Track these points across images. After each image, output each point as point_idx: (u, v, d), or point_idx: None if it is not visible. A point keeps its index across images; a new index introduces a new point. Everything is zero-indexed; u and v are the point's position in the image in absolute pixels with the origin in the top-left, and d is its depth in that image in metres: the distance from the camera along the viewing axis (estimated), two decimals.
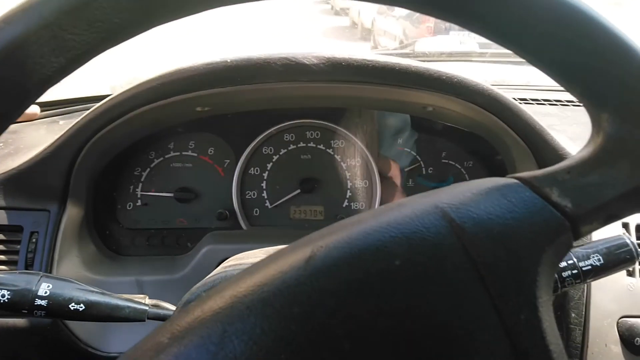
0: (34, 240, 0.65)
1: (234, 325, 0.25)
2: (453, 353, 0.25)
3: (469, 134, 0.73)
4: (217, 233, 0.74)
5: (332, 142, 0.82)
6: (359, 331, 0.25)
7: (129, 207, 0.79)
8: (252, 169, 0.81)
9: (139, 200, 0.79)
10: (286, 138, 0.81)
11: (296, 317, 0.25)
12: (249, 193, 0.81)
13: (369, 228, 0.27)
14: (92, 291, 0.46)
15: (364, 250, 0.26)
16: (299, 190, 0.81)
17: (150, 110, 0.60)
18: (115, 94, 0.61)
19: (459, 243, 0.26)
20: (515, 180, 0.29)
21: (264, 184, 0.81)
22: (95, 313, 0.45)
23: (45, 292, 0.43)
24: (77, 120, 0.63)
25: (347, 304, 0.25)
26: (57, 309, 0.43)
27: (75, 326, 0.65)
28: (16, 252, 0.64)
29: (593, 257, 0.44)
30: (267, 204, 0.81)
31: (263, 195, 0.81)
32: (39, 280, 0.44)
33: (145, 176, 0.79)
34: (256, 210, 0.81)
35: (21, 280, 0.43)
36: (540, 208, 0.28)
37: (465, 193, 0.28)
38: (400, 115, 0.81)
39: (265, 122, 0.81)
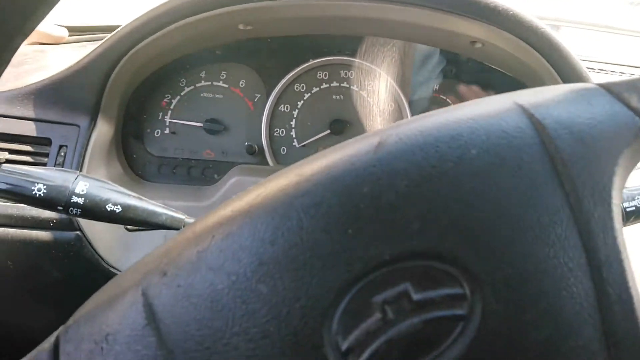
0: (62, 154, 0.64)
1: (300, 199, 0.24)
2: (524, 242, 0.24)
3: (509, 82, 0.71)
4: (245, 166, 0.74)
5: (365, 83, 0.80)
6: (429, 214, 0.24)
7: (157, 134, 0.78)
8: (283, 105, 0.80)
9: (167, 128, 0.78)
10: (319, 76, 0.80)
11: (365, 195, 0.24)
12: (277, 130, 0.80)
13: (443, 119, 0.27)
14: (130, 195, 0.45)
15: (439, 138, 0.25)
16: (328, 131, 0.79)
17: (192, 24, 0.59)
18: (155, 6, 0.59)
19: (538, 137, 0.25)
20: (595, 85, 0.28)
21: (293, 122, 0.80)
22: (131, 216, 0.44)
23: (82, 191, 0.43)
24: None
25: (419, 186, 0.24)
26: (93, 208, 0.43)
27: (99, 244, 0.65)
28: (43, 165, 0.64)
29: None
30: (295, 142, 0.80)
31: (291, 134, 0.80)
32: (76, 179, 0.43)
33: (174, 104, 0.78)
34: (284, 149, 0.80)
35: (58, 176, 0.43)
36: (620, 111, 0.27)
37: (545, 93, 0.28)
38: (440, 60, 0.79)
39: (300, 58, 0.79)
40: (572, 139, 0.25)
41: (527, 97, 0.27)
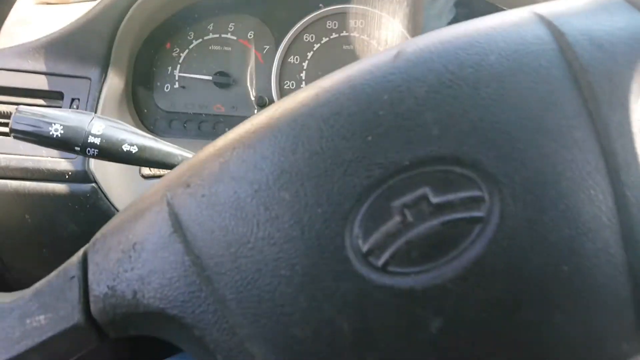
0: (75, 106, 0.64)
1: (320, 109, 0.25)
2: (543, 145, 0.24)
3: None
4: None
5: (376, 32, 0.79)
6: (448, 119, 0.24)
7: (167, 88, 0.78)
8: (292, 57, 0.79)
9: (177, 83, 0.78)
10: (329, 25, 0.79)
11: (385, 103, 0.24)
12: (287, 83, 0.80)
13: (461, 30, 0.26)
14: (146, 136, 0.45)
15: (458, 46, 0.25)
16: None
17: None
18: None
19: (556, 44, 0.25)
20: None
21: (303, 74, 0.80)
22: (147, 157, 0.45)
23: (99, 131, 0.43)
24: None
25: (438, 92, 0.24)
26: (110, 148, 0.43)
27: (114, 196, 0.66)
28: None
29: None
30: None
31: (302, 85, 0.80)
32: (92, 119, 0.43)
33: (183, 57, 0.78)
34: None
35: (74, 117, 0.43)
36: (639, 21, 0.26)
37: (565, 5, 0.27)
38: (451, 6, 0.78)
39: (309, 7, 0.78)
40: (591, 45, 0.25)
41: (546, 8, 0.27)
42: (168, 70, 0.78)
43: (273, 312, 0.23)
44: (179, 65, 0.78)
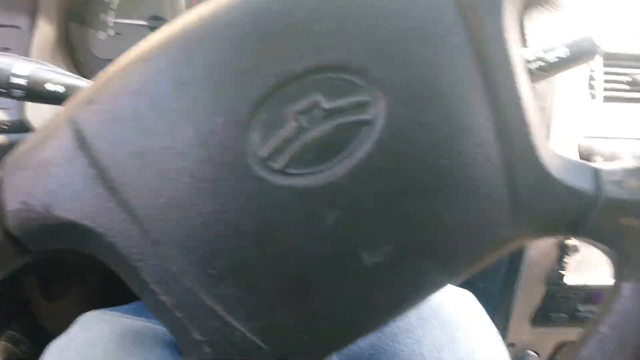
0: None
1: (213, 21, 0.26)
2: (422, 51, 0.26)
3: None
4: None
5: None
6: (337, 29, 0.26)
7: (102, 36, 0.77)
8: None
9: (112, 30, 0.77)
10: None
11: (275, 13, 0.26)
12: None
13: None
14: (72, 76, 0.46)
15: None
16: None
17: None
18: None
19: None
20: None
21: None
22: None
23: (23, 72, 0.43)
24: None
25: (326, 2, 0.26)
26: (36, 88, 0.44)
27: None
28: None
29: (559, 48, 0.46)
30: None
31: None
32: (16, 60, 0.43)
33: (116, 3, 0.76)
34: None
35: None
36: None
37: None
38: None
39: None
40: None
41: None
42: (101, 16, 0.76)
43: (178, 217, 0.26)
44: (112, 11, 0.77)
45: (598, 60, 0.67)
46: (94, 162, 0.25)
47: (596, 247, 0.31)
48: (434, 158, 0.27)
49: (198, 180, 0.25)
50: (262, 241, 0.26)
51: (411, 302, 0.30)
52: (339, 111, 0.26)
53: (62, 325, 0.57)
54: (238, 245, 0.26)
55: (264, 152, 0.26)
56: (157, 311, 0.28)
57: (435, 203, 0.27)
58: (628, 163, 0.29)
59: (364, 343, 0.54)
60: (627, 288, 0.30)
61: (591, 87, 0.67)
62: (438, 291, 0.30)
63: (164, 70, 0.25)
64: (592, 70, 0.67)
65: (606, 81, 0.67)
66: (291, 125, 0.26)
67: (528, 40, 0.64)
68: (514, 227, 0.28)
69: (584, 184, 0.28)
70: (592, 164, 0.29)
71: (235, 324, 0.27)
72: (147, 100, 0.25)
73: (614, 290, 0.30)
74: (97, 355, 0.48)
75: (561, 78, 0.66)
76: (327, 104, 0.26)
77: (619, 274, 0.30)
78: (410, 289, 0.29)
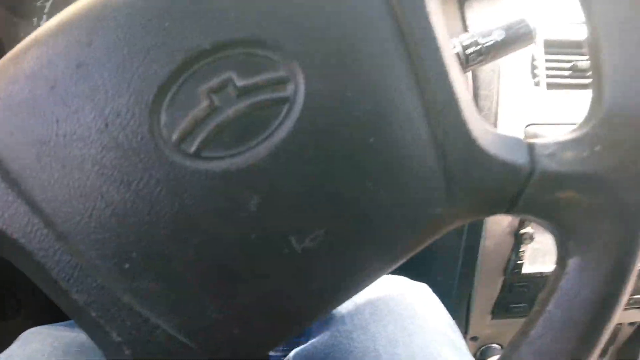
0: None
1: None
2: (339, 23, 0.25)
3: None
4: None
5: None
6: (247, 1, 0.24)
7: None
8: None
9: None
10: None
11: None
12: None
13: None
14: None
15: None
16: None
17: None
18: None
19: None
20: None
21: None
22: None
23: None
24: None
25: None
26: None
27: None
28: None
29: (495, 32, 0.45)
30: None
31: None
32: None
33: (48, 7, 0.74)
34: None
35: None
36: None
37: None
38: None
39: None
40: None
41: None
42: (34, 21, 0.73)
43: (85, 208, 0.24)
44: (45, 16, 0.73)
45: (539, 47, 0.67)
46: None
47: (537, 223, 0.30)
48: (360, 136, 0.25)
49: (104, 167, 0.23)
50: (180, 230, 0.24)
51: (349, 290, 0.28)
52: (254, 88, 0.24)
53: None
54: (153, 236, 0.24)
55: (175, 134, 0.24)
56: (71, 312, 0.25)
57: (364, 183, 0.26)
58: (562, 136, 0.29)
59: (317, 342, 0.52)
60: (571, 264, 0.29)
61: (534, 75, 0.67)
62: (377, 277, 0.29)
63: (62, 52, 0.23)
64: (534, 59, 0.67)
65: (548, 68, 0.68)
66: (203, 105, 0.24)
67: (469, 30, 0.64)
68: (449, 206, 0.27)
69: (517, 158, 0.27)
70: (526, 139, 0.29)
71: (156, 320, 0.25)
72: (43, 84, 0.23)
73: (558, 267, 0.30)
74: None
75: (505, 66, 0.66)
76: (240, 82, 0.24)
77: (562, 250, 0.29)
78: (346, 275, 0.27)
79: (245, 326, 0.26)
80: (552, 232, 0.30)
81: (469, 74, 0.66)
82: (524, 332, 0.30)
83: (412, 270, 0.79)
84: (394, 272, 0.60)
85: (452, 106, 0.26)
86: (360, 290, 0.29)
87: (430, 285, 0.60)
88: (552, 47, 0.68)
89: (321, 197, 0.25)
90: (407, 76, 0.26)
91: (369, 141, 0.26)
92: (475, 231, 0.72)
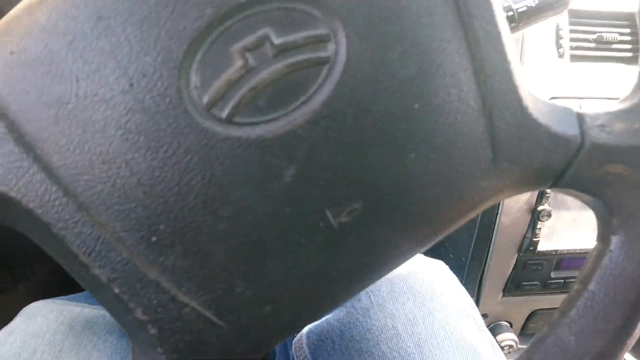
0: None
1: None
2: None
3: None
4: None
5: None
6: None
7: None
8: None
9: None
10: None
11: None
12: None
13: None
14: None
15: None
16: None
17: None
18: None
19: None
20: None
21: None
22: None
23: None
24: None
25: None
26: None
27: None
28: None
29: None
30: None
31: None
32: None
33: None
34: None
35: None
36: None
37: None
38: None
39: None
40: None
41: None
42: None
43: (108, 176, 0.22)
44: None
45: (564, 17, 0.64)
46: (3, 114, 0.21)
47: (580, 198, 0.28)
48: (404, 101, 0.23)
49: (129, 132, 0.21)
50: (210, 202, 0.23)
51: (384, 268, 0.26)
52: (293, 47, 0.22)
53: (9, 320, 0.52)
54: (182, 208, 0.22)
55: (205, 98, 0.22)
56: (92, 288, 0.24)
57: (406, 153, 0.24)
58: (612, 107, 0.27)
59: (332, 319, 0.51)
60: (615, 241, 0.27)
61: (559, 45, 0.65)
62: (410, 257, 0.27)
63: (80, 3, 0.21)
64: (559, 28, 0.65)
65: (572, 40, 0.65)
66: (237, 65, 0.22)
67: None
68: (495, 179, 0.26)
69: (568, 129, 0.25)
70: (575, 109, 0.27)
71: (184, 298, 0.23)
72: (60, 38, 0.21)
73: (601, 244, 0.28)
74: (43, 347, 0.44)
75: (529, 36, 0.63)
76: (278, 39, 0.22)
77: (605, 227, 0.28)
78: (382, 252, 0.26)
79: (276, 304, 0.25)
80: (594, 208, 0.28)
81: None
82: (563, 313, 0.28)
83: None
84: None
85: (503, 70, 0.24)
86: (395, 267, 0.27)
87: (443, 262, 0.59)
88: (577, 17, 0.66)
89: (360, 168, 0.24)
90: (456, 37, 0.24)
91: (414, 107, 0.23)
92: (492, 208, 0.70)
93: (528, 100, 0.25)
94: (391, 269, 0.27)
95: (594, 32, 0.66)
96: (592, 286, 0.27)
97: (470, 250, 0.76)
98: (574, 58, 0.65)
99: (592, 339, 0.27)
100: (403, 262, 0.27)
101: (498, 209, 0.70)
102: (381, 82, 0.23)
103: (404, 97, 0.23)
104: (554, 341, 0.28)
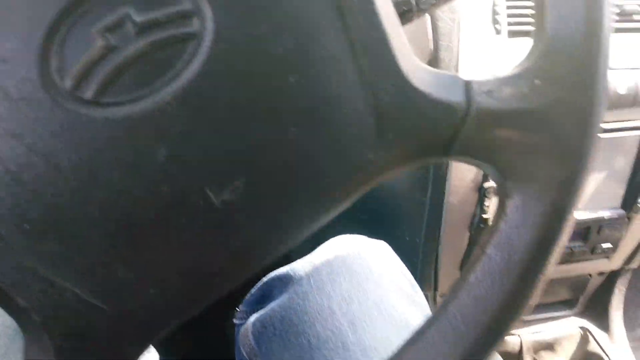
0: None
1: None
2: None
3: None
4: None
5: None
6: None
7: None
8: None
9: None
10: None
11: None
12: None
13: None
14: None
15: None
16: None
17: None
18: None
19: None
20: None
21: None
22: None
23: None
24: None
25: None
26: None
27: None
28: None
29: None
30: None
31: None
32: None
33: None
34: None
35: None
36: None
37: None
38: None
39: None
40: None
41: None
42: None
43: None
44: None
45: None
46: None
47: (475, 165, 0.28)
48: (279, 74, 0.23)
49: None
50: (81, 186, 0.22)
51: (278, 245, 0.26)
52: (156, 24, 0.22)
53: None
54: (52, 194, 0.22)
55: (68, 80, 0.21)
56: None
57: (286, 128, 0.24)
58: (502, 73, 0.27)
59: (276, 305, 0.51)
60: (510, 205, 0.27)
61: (495, 21, 0.65)
62: (310, 230, 0.27)
63: None
64: (495, 5, 0.65)
65: (509, 15, 0.66)
66: (99, 46, 0.21)
67: None
68: (382, 150, 0.26)
69: (453, 96, 0.26)
70: (464, 77, 0.27)
71: (64, 284, 0.23)
72: None
73: (498, 209, 0.28)
74: None
75: (465, 15, 0.64)
76: (139, 17, 0.22)
77: (501, 192, 0.28)
78: (273, 229, 0.26)
79: (161, 286, 0.24)
80: (491, 175, 0.29)
81: (428, 25, 0.64)
82: (464, 278, 0.28)
83: (379, 230, 0.78)
84: (359, 232, 0.58)
85: (380, 41, 0.24)
86: (291, 245, 0.27)
87: (398, 244, 0.59)
88: None
89: (238, 145, 0.23)
90: (329, 8, 0.23)
91: (290, 81, 0.23)
92: (439, 188, 0.71)
93: (408, 69, 0.25)
94: (290, 244, 0.27)
95: (530, 7, 0.67)
96: (489, 250, 0.27)
97: (423, 232, 0.77)
98: (512, 34, 0.66)
99: (489, 303, 0.27)
100: (302, 236, 0.27)
101: (445, 188, 0.70)
102: (253, 57, 0.23)
103: (278, 70, 0.23)
104: (455, 306, 0.28)
